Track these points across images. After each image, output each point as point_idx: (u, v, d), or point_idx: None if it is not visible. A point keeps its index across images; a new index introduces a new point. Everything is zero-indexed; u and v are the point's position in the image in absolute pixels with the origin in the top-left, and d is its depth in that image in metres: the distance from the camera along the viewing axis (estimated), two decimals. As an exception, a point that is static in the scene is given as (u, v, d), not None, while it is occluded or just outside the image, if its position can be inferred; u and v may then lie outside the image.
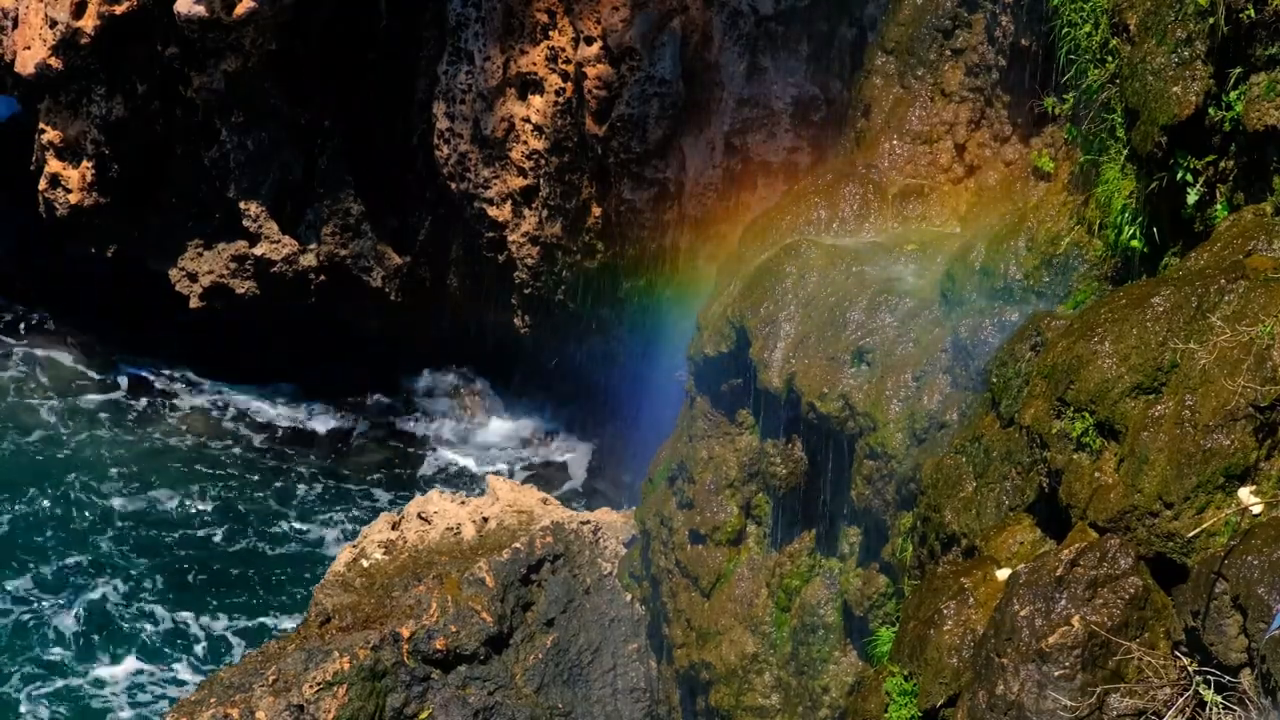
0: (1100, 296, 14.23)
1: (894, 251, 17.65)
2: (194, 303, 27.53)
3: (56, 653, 23.81)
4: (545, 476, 27.72)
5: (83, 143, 26.52)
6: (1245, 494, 11.51)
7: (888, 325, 16.91)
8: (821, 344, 17.19)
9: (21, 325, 30.33)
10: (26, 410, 28.57)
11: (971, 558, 13.65)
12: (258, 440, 28.55)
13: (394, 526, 20.95)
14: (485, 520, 20.91)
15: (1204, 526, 11.51)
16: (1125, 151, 14.24)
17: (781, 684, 17.94)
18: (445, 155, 25.60)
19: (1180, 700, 11.13)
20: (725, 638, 18.35)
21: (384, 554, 20.46)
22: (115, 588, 25.20)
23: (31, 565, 25.30)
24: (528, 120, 24.76)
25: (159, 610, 25.00)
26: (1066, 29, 15.34)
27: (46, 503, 26.32)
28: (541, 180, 25.03)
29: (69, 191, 26.66)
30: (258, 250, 26.93)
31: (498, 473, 27.18)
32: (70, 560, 25.45)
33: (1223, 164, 13.39)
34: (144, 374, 29.70)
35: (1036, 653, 11.59)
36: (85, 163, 26.59)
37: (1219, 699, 10.91)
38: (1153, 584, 11.70)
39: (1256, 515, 11.37)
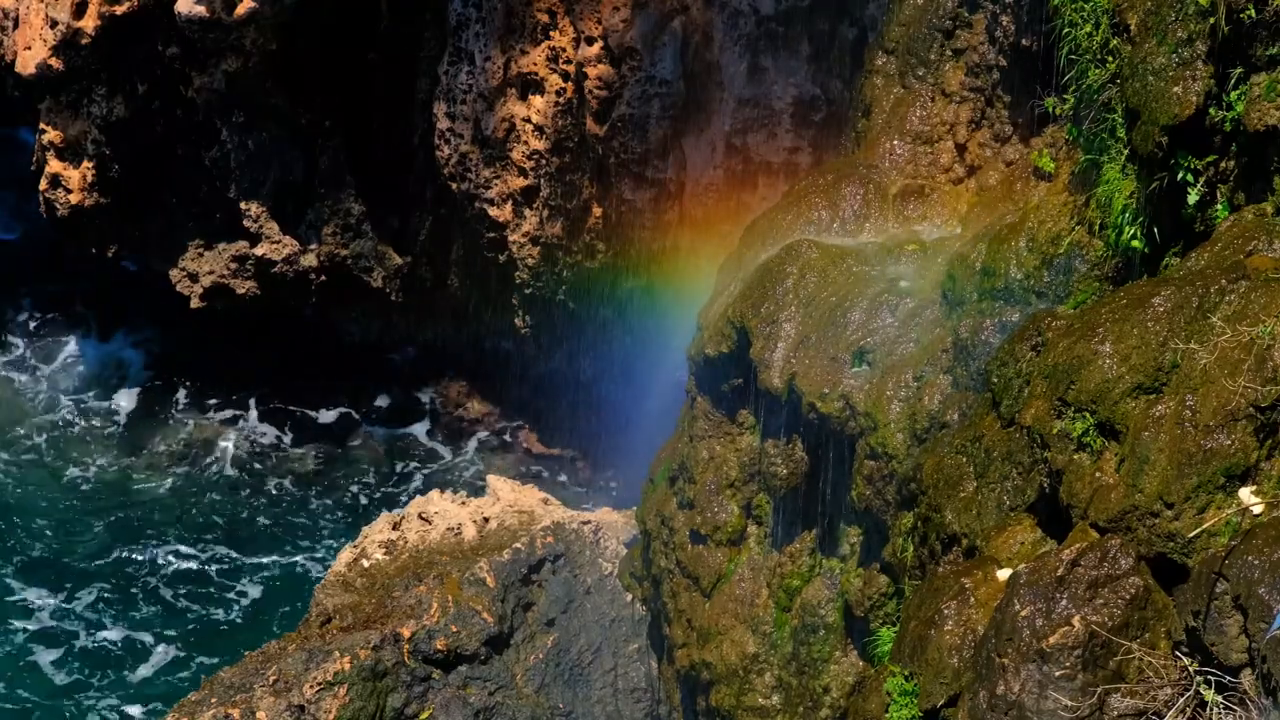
0: (1101, 296, 14.24)
1: (894, 251, 17.65)
2: (195, 303, 27.52)
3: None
4: (544, 478, 27.70)
5: (83, 143, 26.50)
6: (1246, 494, 11.52)
7: (888, 325, 16.92)
8: (822, 344, 17.19)
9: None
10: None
11: (972, 558, 13.65)
12: (252, 449, 28.55)
13: (395, 526, 20.94)
14: (486, 520, 20.91)
15: (1205, 527, 11.52)
16: (1126, 151, 14.24)
17: (782, 684, 17.94)
18: (446, 155, 25.58)
19: (1181, 700, 11.13)
20: (726, 638, 18.35)
21: (385, 554, 20.46)
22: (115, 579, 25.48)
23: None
24: (528, 120, 24.75)
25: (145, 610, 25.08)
26: (1067, 29, 15.34)
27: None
28: (542, 180, 25.01)
29: (69, 191, 26.64)
30: (258, 250, 26.91)
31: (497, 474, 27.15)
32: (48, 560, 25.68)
33: (1223, 164, 13.39)
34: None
35: (1037, 653, 11.59)
36: (86, 163, 26.57)
37: (1220, 699, 10.92)
38: (1153, 584, 11.70)
39: (1257, 515, 11.37)
